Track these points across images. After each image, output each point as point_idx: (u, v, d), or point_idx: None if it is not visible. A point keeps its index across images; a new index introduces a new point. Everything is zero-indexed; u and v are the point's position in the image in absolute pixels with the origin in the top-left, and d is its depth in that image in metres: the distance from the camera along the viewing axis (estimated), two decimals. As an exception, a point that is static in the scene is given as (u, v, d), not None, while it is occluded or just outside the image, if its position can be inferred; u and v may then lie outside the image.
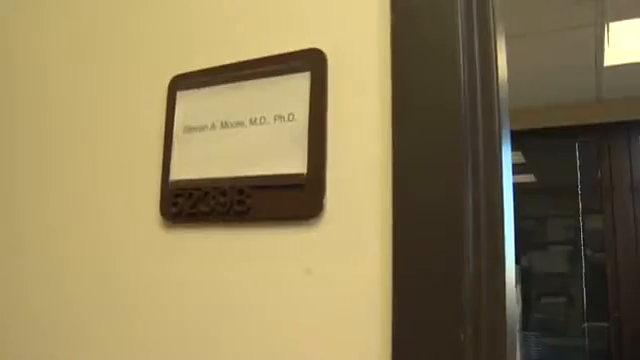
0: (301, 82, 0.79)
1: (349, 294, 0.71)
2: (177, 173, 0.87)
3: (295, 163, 0.77)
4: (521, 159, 4.44)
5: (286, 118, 0.80)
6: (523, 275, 4.07)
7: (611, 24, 3.03)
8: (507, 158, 0.79)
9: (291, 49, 0.82)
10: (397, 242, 0.68)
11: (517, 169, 4.55)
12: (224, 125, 0.85)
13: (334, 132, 0.76)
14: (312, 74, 0.79)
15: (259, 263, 0.78)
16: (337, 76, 0.78)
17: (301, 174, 0.76)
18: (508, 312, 0.69)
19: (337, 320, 0.71)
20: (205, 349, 0.80)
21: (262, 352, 0.75)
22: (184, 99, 0.89)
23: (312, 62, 0.79)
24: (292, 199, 0.77)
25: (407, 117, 0.71)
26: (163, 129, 0.90)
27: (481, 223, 0.68)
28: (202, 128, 0.87)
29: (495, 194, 0.71)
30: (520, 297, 3.85)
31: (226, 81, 0.86)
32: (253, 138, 0.82)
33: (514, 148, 4.46)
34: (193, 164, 0.86)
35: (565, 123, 3.98)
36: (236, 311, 0.79)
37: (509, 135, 0.84)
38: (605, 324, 3.90)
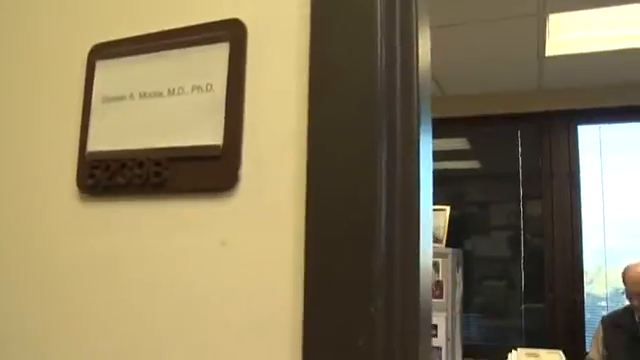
0: (220, 53, 0.78)
1: (262, 265, 0.71)
2: (94, 144, 0.85)
3: (212, 134, 0.76)
4: (466, 145, 4.53)
5: (204, 89, 0.79)
6: (466, 259, 4.17)
7: (551, 15, 3.11)
8: (426, 137, 0.80)
9: (211, 19, 0.80)
10: (310, 214, 0.68)
11: (462, 155, 4.64)
12: (142, 95, 0.83)
13: (251, 103, 0.76)
14: (231, 44, 0.78)
15: (176, 235, 0.77)
16: (256, 47, 0.77)
17: (217, 145, 0.76)
18: (422, 290, 0.71)
19: (251, 291, 0.71)
20: (122, 322, 0.79)
21: (179, 322, 0.75)
22: (103, 69, 0.87)
23: (231, 33, 0.78)
24: (208, 171, 0.76)
25: (323, 89, 0.72)
26: (81, 99, 0.88)
27: (395, 199, 0.69)
28: (121, 98, 0.85)
29: (411, 171, 0.72)
30: (462, 280, 3.94)
31: (146, 51, 0.84)
32: (171, 109, 0.81)
33: (459, 135, 4.55)
34: (111, 135, 0.84)
35: (508, 111, 4.08)
36: (153, 284, 0.78)
37: (429, 115, 0.85)
38: (541, 305, 4.05)
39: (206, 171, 0.76)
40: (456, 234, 4.10)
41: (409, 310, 0.67)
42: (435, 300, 3.63)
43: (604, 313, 3.67)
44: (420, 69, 0.78)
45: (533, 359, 2.87)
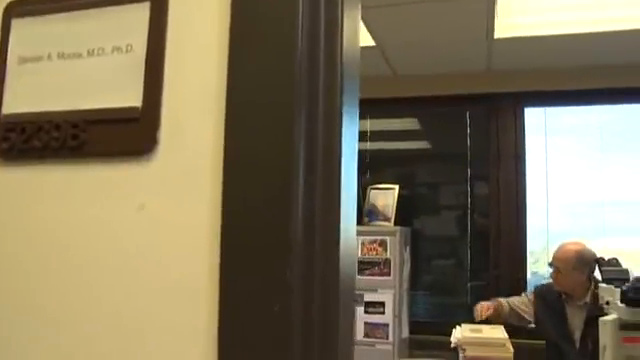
0: (141, 12, 0.76)
1: (180, 229, 0.70)
2: (10, 107, 0.82)
3: (131, 96, 0.74)
4: (416, 126, 4.57)
5: (124, 50, 0.76)
6: (415, 238, 4.23)
7: (500, -3, 3.14)
8: (351, 110, 0.78)
9: (133, -22, 0.78)
10: (227, 179, 0.67)
11: (413, 135, 4.68)
12: (61, 56, 0.80)
13: (172, 65, 0.74)
14: (152, 4, 0.75)
15: (94, 199, 0.75)
16: (177, 7, 0.75)
17: (136, 108, 0.74)
18: (345, 260, 0.70)
19: (169, 255, 0.70)
20: (37, 291, 0.76)
21: (98, 288, 0.73)
22: (19, 27, 0.83)
23: (153, -8, 0.76)
24: (127, 133, 0.74)
25: (243, 53, 0.70)
26: (-3, 59, 0.84)
27: (316, 167, 0.68)
28: (38, 59, 0.81)
29: (333, 140, 0.71)
30: (409, 258, 4.00)
31: (64, 9, 0.81)
32: (90, 70, 0.78)
33: (410, 115, 4.59)
34: (27, 97, 0.81)
35: (457, 92, 4.13)
36: (70, 249, 0.75)
37: (356, 88, 0.84)
38: (486, 283, 4.16)
39: (125, 134, 0.74)
40: (405, 213, 4.15)
41: (329, 279, 0.67)
42: (383, 278, 3.69)
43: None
44: (346, 37, 0.77)
45: (476, 334, 2.94)
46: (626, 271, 2.88)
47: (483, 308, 3.27)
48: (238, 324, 0.63)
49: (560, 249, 3.28)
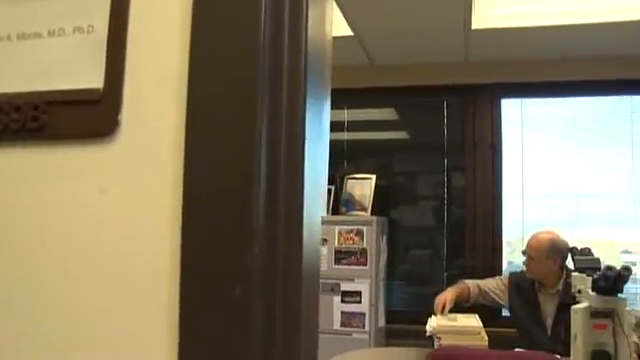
0: (103, -8, 0.74)
1: (141, 213, 0.69)
2: (-31, 88, 0.80)
3: (92, 78, 0.73)
4: (394, 116, 4.58)
5: (85, 30, 0.75)
6: (393, 228, 4.25)
7: (477, -12, 3.15)
8: (317, 96, 0.77)
9: (95, -43, 0.76)
10: (188, 162, 0.66)
11: (391, 126, 4.70)
12: (21, 37, 0.78)
13: (134, 46, 0.72)
14: (114, -17, 0.74)
15: (55, 182, 0.74)
16: (140, -13, 0.73)
17: (97, 89, 0.72)
18: (309, 246, 0.70)
19: (130, 238, 0.69)
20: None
21: (58, 272, 0.72)
22: (-22, 7, 0.81)
23: (115, -29, 0.74)
24: (88, 115, 0.73)
25: (206, 36, 0.69)
26: (-44, 40, 0.82)
27: (279, 151, 0.68)
28: (-3, 39, 0.79)
29: (296, 128, 0.70)
30: (386, 248, 4.02)
31: (25, -12, 0.79)
32: (51, 51, 0.76)
33: (387, 105, 4.60)
34: (-14, 78, 0.79)
35: (435, 82, 4.14)
36: (31, 232, 0.74)
37: (323, 74, 0.83)
38: (462, 272, 4.19)
39: (86, 116, 0.73)
40: (383, 203, 4.17)
41: (291, 263, 0.66)
42: (359, 267, 3.70)
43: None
44: (311, 21, 0.76)
45: (451, 322, 2.97)
46: (598, 260, 2.92)
47: (439, 305, 3.25)
48: (199, 307, 0.63)
49: (533, 238, 3.32)
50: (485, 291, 3.39)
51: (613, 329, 2.66)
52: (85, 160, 0.72)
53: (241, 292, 0.62)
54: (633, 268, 4.23)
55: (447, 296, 3.29)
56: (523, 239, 4.30)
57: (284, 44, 0.70)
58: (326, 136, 1.05)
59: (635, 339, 3.07)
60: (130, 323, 0.67)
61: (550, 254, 3.20)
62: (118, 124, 0.71)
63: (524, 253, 3.32)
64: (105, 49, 0.73)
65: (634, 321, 3.06)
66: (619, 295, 2.72)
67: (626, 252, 4.25)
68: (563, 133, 4.29)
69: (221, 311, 0.62)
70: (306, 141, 0.71)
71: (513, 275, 3.49)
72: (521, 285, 3.37)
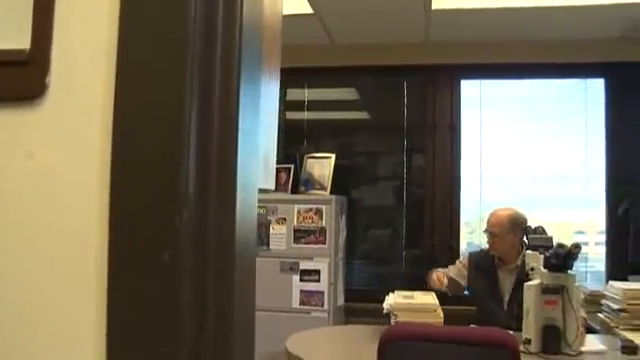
0: (30, -51, 0.71)
1: (69, 178, 0.67)
2: None
3: (19, 38, 0.70)
4: (355, 96, 4.58)
5: (11, -11, 0.71)
6: (353, 207, 4.28)
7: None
8: (253, 67, 0.76)
9: None
10: (117, 126, 0.65)
11: (352, 106, 4.70)
12: (-56, -5, 0.74)
13: (62, 7, 0.70)
14: (42, -60, 0.71)
15: (-20, 149, 0.71)
16: (69, -55, 0.71)
17: (24, 50, 0.70)
18: (242, 213, 0.69)
19: (58, 204, 0.67)
20: None
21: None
22: None
23: None
24: (14, 77, 0.70)
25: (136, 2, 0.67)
26: None
27: (211, 117, 0.66)
28: None
29: (231, 91, 0.68)
30: (345, 227, 4.05)
31: (-52, -56, 0.75)
32: (-24, 10, 0.73)
33: (348, 84, 4.59)
34: None
35: (395, 62, 4.15)
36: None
37: (258, 45, 0.81)
38: (420, 251, 4.25)
39: (12, 78, 0.70)
40: (343, 183, 4.18)
41: (224, 230, 0.65)
42: (318, 246, 3.72)
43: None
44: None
45: (408, 300, 3.01)
46: (550, 239, 3.00)
47: (439, 277, 3.32)
48: (128, 272, 0.62)
49: (493, 215, 3.40)
50: (451, 278, 3.46)
51: (563, 305, 2.74)
52: (11, 123, 0.70)
53: (170, 256, 0.61)
54: (585, 248, 4.38)
55: (440, 274, 3.36)
56: (481, 219, 4.39)
57: (218, 15, 0.69)
58: (270, 110, 1.04)
59: (583, 314, 3.17)
60: (57, 290, 0.66)
61: (511, 228, 3.29)
62: (46, 87, 0.69)
63: (486, 231, 3.39)
64: (32, 9, 0.70)
65: (583, 297, 3.16)
66: (569, 272, 2.80)
67: (580, 232, 4.37)
68: (520, 115, 4.36)
69: (150, 276, 0.61)
70: (240, 109, 0.70)
71: (473, 254, 3.57)
72: (481, 262, 3.44)
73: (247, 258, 0.71)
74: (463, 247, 4.39)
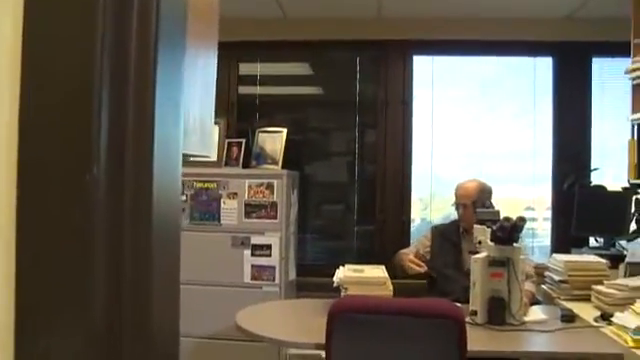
0: None
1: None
2: None
3: None
4: (309, 71, 4.54)
5: None
6: (307, 183, 4.27)
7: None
8: (175, 24, 0.72)
9: None
10: (26, 72, 0.61)
11: (305, 81, 4.66)
12: None
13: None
14: None
15: None
16: None
17: None
18: (161, 165, 0.66)
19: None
20: None
21: None
22: None
23: None
24: None
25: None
26: None
27: (127, 68, 0.63)
28: None
29: (147, 42, 0.65)
30: (297, 202, 4.04)
31: None
32: None
33: (302, 59, 4.55)
34: None
35: (348, 37, 4.12)
36: None
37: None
38: (372, 227, 4.29)
39: None
40: (295, 158, 4.17)
41: (139, 192, 0.63)
42: (270, 221, 3.70)
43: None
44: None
45: (357, 274, 3.03)
46: (497, 212, 3.06)
47: (414, 262, 3.35)
48: (37, 227, 0.59)
49: (461, 188, 3.46)
50: (422, 255, 3.50)
51: (508, 277, 2.81)
52: None
53: (80, 213, 0.58)
54: (535, 224, 4.49)
55: (408, 255, 3.40)
56: (432, 196, 4.44)
57: None
58: (207, 80, 1.01)
59: (532, 288, 3.26)
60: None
61: (481, 196, 3.36)
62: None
63: (456, 204, 3.44)
64: None
65: (528, 269, 3.25)
66: (514, 245, 2.87)
67: (529, 209, 4.46)
68: (471, 93, 4.41)
69: (59, 233, 0.58)
70: (157, 68, 0.67)
71: (437, 227, 3.62)
72: (445, 233, 3.51)
73: (168, 216, 0.69)
74: (417, 223, 4.43)
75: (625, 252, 3.58)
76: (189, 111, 1.03)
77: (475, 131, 4.35)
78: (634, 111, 3.33)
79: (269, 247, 3.66)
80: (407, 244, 4.21)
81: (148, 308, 0.64)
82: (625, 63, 3.36)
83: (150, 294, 0.63)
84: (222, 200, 3.67)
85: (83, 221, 0.58)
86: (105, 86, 0.60)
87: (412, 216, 4.36)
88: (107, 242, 0.59)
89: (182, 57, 0.76)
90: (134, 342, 0.62)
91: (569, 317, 2.79)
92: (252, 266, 3.66)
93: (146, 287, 0.63)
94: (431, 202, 4.46)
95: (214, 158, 3.87)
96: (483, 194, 3.40)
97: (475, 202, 3.34)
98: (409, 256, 3.43)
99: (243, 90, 4.37)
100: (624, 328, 2.39)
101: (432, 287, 3.44)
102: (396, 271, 3.41)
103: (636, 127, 3.38)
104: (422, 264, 3.34)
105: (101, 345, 0.59)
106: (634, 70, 3.23)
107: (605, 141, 4.22)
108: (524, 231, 3.65)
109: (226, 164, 3.95)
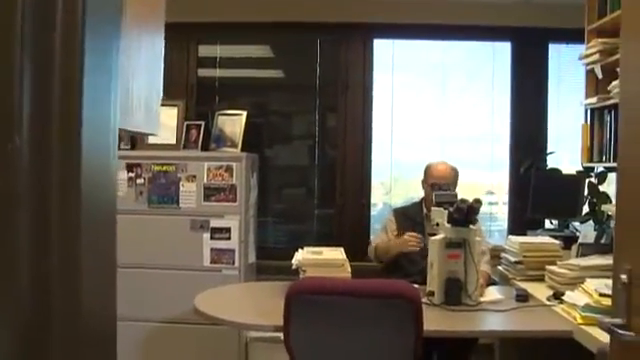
0: None
1: None
2: None
3: None
4: (269, 53, 4.50)
5: None
6: (267, 166, 4.25)
7: None
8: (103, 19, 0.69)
9: None
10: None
11: (266, 63, 4.62)
12: None
13: None
14: None
15: None
16: None
17: None
18: (91, 136, 0.64)
19: None
20: None
21: None
22: None
23: None
24: None
25: None
26: None
27: (53, 51, 0.61)
28: None
29: (73, 55, 0.62)
30: (257, 185, 4.02)
31: None
32: None
33: (261, 41, 4.50)
34: None
35: (309, 19, 4.09)
36: None
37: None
38: (332, 210, 4.30)
39: None
40: (255, 141, 4.14)
41: (67, 156, 0.61)
42: (229, 204, 3.68)
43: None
44: None
45: (316, 256, 3.04)
46: (455, 195, 3.10)
47: (414, 237, 3.35)
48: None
49: (439, 170, 3.45)
50: (390, 239, 3.51)
51: (464, 258, 2.85)
52: None
53: (4, 184, 0.56)
54: (495, 208, 4.55)
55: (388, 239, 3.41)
56: (392, 180, 4.47)
57: None
58: (152, 58, 0.99)
59: (487, 269, 3.32)
60: None
61: (456, 180, 3.40)
62: None
63: (429, 185, 3.40)
64: None
65: (484, 250, 3.31)
66: (471, 226, 2.92)
67: (489, 193, 4.53)
68: (431, 78, 4.43)
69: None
70: (85, 41, 0.64)
71: (396, 211, 3.63)
72: (409, 214, 3.52)
73: (100, 190, 0.67)
74: (379, 207, 4.45)
75: (578, 234, 3.67)
76: (132, 89, 1.01)
77: (435, 116, 4.38)
78: (587, 96, 3.40)
79: (228, 230, 3.64)
80: (367, 227, 4.24)
81: (77, 287, 0.62)
82: (580, 49, 3.42)
83: (79, 272, 0.61)
84: (181, 183, 3.63)
85: (4, 192, 0.56)
86: (27, 55, 0.58)
87: (374, 200, 4.37)
88: (31, 215, 0.57)
89: (117, 28, 0.74)
90: (63, 323, 0.60)
91: (523, 297, 2.86)
92: (211, 249, 3.64)
93: (75, 263, 0.61)
94: (392, 186, 4.49)
95: (172, 141, 3.81)
96: (457, 178, 3.45)
97: (453, 184, 3.37)
98: (380, 238, 3.46)
99: (203, 72, 4.30)
100: (574, 306, 2.45)
101: (394, 269, 3.45)
102: (380, 260, 3.44)
103: (589, 112, 3.45)
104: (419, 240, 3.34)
105: (26, 326, 0.57)
106: (588, 56, 3.29)
107: (562, 125, 4.30)
108: (483, 214, 3.71)
109: (185, 147, 3.90)
